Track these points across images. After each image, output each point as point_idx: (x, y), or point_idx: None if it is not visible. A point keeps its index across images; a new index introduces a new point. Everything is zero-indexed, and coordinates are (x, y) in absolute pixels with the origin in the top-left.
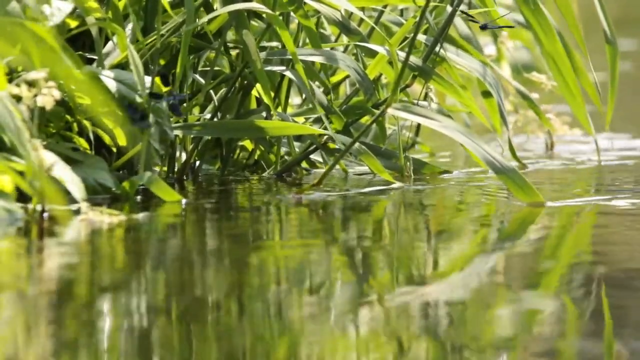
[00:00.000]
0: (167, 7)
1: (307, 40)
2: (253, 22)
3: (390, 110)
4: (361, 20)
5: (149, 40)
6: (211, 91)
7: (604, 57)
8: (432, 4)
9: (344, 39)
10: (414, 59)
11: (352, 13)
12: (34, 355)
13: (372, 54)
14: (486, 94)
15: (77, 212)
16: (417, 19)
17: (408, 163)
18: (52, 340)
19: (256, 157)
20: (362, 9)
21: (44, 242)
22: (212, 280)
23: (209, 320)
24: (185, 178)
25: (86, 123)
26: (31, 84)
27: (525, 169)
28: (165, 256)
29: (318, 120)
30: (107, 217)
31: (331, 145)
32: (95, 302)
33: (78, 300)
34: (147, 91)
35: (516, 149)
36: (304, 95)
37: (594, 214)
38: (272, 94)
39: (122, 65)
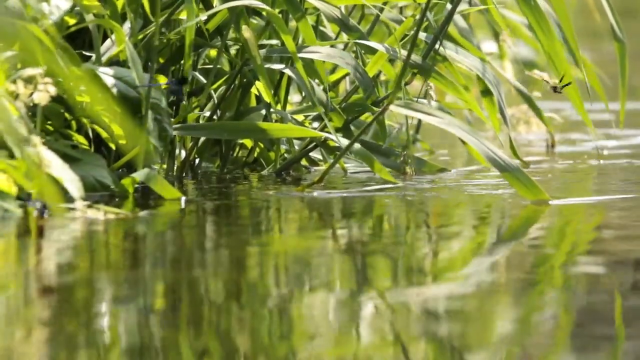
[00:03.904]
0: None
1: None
2: (252, 20)
3: (392, 107)
4: (360, 18)
5: (147, 32)
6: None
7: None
8: (433, 1)
9: (344, 36)
10: (414, 57)
11: (351, 11)
12: (32, 353)
13: (372, 51)
14: (486, 92)
15: (76, 209)
16: (418, 16)
17: (410, 161)
18: (49, 338)
19: (256, 155)
20: (362, 6)
21: (42, 240)
22: (211, 277)
23: (208, 317)
24: (184, 176)
25: (85, 121)
26: (28, 80)
27: (527, 168)
28: (164, 253)
29: (318, 118)
30: (106, 215)
31: (331, 142)
32: (94, 300)
33: (76, 299)
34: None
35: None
36: (303, 93)
37: (597, 213)
38: (272, 92)
39: (121, 63)
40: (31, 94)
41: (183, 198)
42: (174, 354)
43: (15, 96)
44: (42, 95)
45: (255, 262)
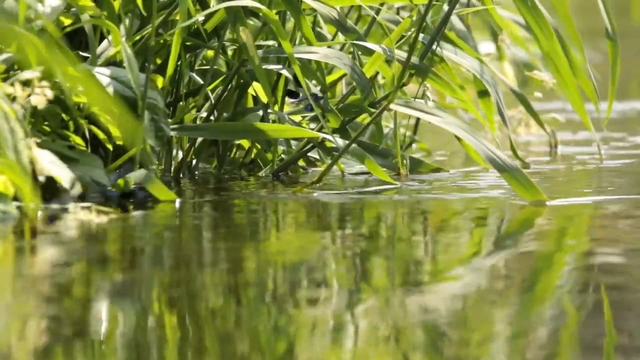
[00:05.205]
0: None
1: (304, 39)
2: (249, 21)
3: (392, 106)
4: (357, 19)
5: (144, 33)
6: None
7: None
8: (432, 2)
9: (340, 37)
10: (411, 58)
11: (348, 12)
12: (29, 354)
13: (369, 52)
14: (483, 93)
15: (72, 210)
16: (416, 17)
17: (405, 161)
18: (46, 339)
19: (253, 156)
20: (359, 7)
21: (38, 241)
22: (207, 278)
23: (204, 319)
24: (181, 176)
25: (82, 121)
26: (25, 83)
27: (527, 168)
28: (158, 255)
29: (315, 119)
30: (101, 216)
31: (328, 143)
32: (89, 301)
33: (71, 300)
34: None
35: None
36: (300, 94)
37: (595, 213)
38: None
39: (119, 64)
40: (28, 97)
41: (177, 200)
42: (171, 354)
43: (12, 98)
44: (40, 98)
45: (252, 263)
